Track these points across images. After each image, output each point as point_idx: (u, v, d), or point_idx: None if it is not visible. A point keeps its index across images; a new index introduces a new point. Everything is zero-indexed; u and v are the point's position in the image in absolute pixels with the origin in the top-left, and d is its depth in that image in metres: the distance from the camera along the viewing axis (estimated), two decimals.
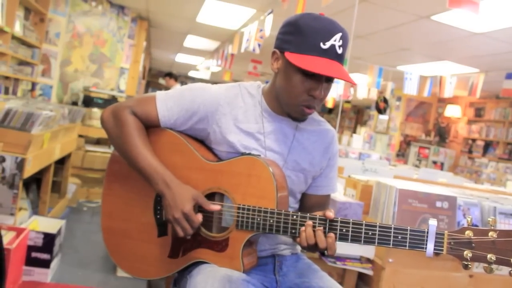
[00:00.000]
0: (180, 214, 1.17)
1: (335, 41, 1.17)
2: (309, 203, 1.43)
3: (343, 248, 2.04)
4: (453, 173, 5.19)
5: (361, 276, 2.15)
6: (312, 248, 1.15)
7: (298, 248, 1.49)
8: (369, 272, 2.04)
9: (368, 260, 2.08)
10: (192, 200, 1.19)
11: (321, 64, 1.15)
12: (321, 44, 1.16)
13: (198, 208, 1.22)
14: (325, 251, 1.13)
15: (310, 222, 1.14)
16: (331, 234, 1.11)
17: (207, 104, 1.28)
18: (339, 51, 1.18)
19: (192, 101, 1.29)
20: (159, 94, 1.32)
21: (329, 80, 1.22)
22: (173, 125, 1.31)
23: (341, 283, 2.01)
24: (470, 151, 9.38)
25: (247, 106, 1.32)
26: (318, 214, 1.16)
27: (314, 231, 1.13)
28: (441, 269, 2.05)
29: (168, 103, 1.29)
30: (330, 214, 1.13)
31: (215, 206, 1.21)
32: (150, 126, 1.32)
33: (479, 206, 2.20)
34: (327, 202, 1.46)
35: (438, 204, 2.08)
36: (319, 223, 1.14)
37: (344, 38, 1.19)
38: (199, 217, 1.19)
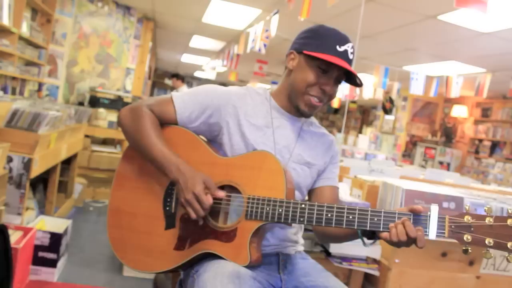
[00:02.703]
0: (191, 195, 1.22)
1: (348, 47, 1.35)
2: (323, 197, 1.48)
3: (349, 248, 2.03)
4: (460, 174, 5.17)
5: (367, 277, 2.14)
6: (402, 243, 1.13)
7: (301, 247, 1.51)
8: (375, 273, 2.04)
9: (374, 261, 2.08)
10: (202, 182, 1.24)
11: (336, 61, 1.30)
12: (337, 47, 1.33)
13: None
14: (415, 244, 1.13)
15: (400, 221, 1.13)
16: (420, 227, 1.12)
17: (220, 97, 1.39)
18: (351, 56, 1.36)
19: (206, 95, 1.39)
20: (175, 93, 1.42)
21: (337, 81, 1.38)
22: (188, 119, 1.38)
23: (347, 284, 2.00)
24: (476, 152, 9.32)
25: (255, 102, 1.43)
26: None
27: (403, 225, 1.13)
28: (448, 270, 2.04)
29: (184, 98, 1.39)
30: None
31: (220, 193, 1.26)
32: (166, 123, 1.39)
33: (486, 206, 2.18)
34: (338, 197, 1.54)
35: (445, 204, 2.08)
36: (327, 210, 1.19)
37: (354, 49, 1.38)
38: (210, 198, 1.23)
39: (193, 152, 1.35)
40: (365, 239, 1.25)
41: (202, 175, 1.26)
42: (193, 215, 1.23)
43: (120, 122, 1.41)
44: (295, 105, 1.40)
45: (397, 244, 1.13)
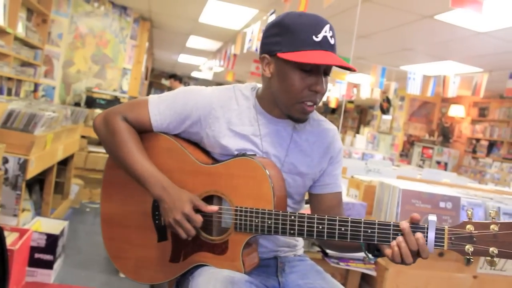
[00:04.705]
0: (181, 216, 1.16)
1: (325, 32, 1.15)
2: (323, 204, 1.38)
3: None
4: (457, 173, 5.17)
5: (364, 277, 2.14)
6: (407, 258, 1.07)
7: (301, 250, 1.48)
8: (372, 273, 2.03)
9: None
10: (190, 202, 1.18)
11: (319, 56, 1.14)
12: (314, 37, 1.14)
13: (196, 211, 1.21)
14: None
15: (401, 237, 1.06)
16: (419, 235, 1.05)
17: (200, 107, 1.26)
18: (332, 41, 1.17)
19: (185, 104, 1.27)
20: (152, 98, 1.30)
21: (326, 73, 1.21)
22: (166, 129, 1.29)
23: (344, 284, 2.00)
24: (474, 151, 9.34)
25: (241, 108, 1.30)
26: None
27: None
28: (445, 270, 2.04)
29: (160, 107, 1.28)
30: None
31: (212, 208, 1.19)
32: (143, 131, 1.31)
33: (483, 206, 2.19)
34: (340, 201, 1.41)
35: (442, 204, 2.07)
36: (317, 222, 1.12)
37: (332, 30, 1.18)
38: (200, 217, 1.18)
39: (175, 161, 1.27)
40: (370, 255, 1.17)
41: (188, 194, 1.19)
42: (183, 235, 1.17)
43: (95, 132, 1.32)
44: (286, 114, 1.25)
45: (402, 262, 1.07)
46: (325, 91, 1.22)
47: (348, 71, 5.99)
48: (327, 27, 1.16)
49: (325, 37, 1.15)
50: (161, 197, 1.19)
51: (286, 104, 1.23)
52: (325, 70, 1.20)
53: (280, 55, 1.17)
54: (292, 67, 1.17)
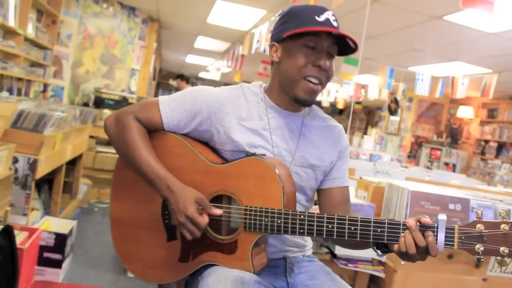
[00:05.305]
0: (184, 218, 1.17)
1: (328, 16, 1.25)
2: (331, 200, 1.39)
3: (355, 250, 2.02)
4: (466, 175, 5.13)
5: (372, 279, 2.13)
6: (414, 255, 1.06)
7: (310, 250, 1.48)
8: (381, 275, 2.03)
9: (380, 263, 2.07)
10: (194, 202, 1.18)
11: (321, 28, 1.22)
12: (316, 17, 1.23)
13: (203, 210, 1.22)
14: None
15: (408, 232, 1.06)
16: (429, 232, 1.04)
17: (210, 104, 1.30)
18: (334, 24, 1.25)
19: (195, 102, 1.30)
20: (162, 98, 1.33)
21: (330, 55, 1.27)
22: (176, 127, 1.31)
23: (352, 286, 2.00)
24: (483, 153, 9.26)
25: (250, 103, 1.33)
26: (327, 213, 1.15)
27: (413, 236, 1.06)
28: (454, 272, 2.03)
29: (171, 105, 1.31)
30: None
31: (217, 211, 1.20)
32: (154, 130, 1.32)
33: (492, 208, 2.17)
34: (348, 197, 1.42)
35: (451, 206, 2.06)
36: (327, 221, 1.12)
37: (335, 17, 1.27)
38: (205, 218, 1.18)
39: (184, 161, 1.28)
40: (378, 252, 1.17)
41: (193, 194, 1.19)
42: (188, 237, 1.18)
43: (106, 131, 1.35)
44: (293, 96, 1.28)
45: (410, 258, 1.07)
46: (329, 69, 1.26)
47: (351, 62, 5.97)
48: (329, 13, 1.26)
49: (327, 19, 1.24)
50: (166, 196, 1.21)
51: (291, 83, 1.28)
52: (328, 51, 1.26)
53: (285, 35, 1.25)
54: (297, 46, 1.25)
